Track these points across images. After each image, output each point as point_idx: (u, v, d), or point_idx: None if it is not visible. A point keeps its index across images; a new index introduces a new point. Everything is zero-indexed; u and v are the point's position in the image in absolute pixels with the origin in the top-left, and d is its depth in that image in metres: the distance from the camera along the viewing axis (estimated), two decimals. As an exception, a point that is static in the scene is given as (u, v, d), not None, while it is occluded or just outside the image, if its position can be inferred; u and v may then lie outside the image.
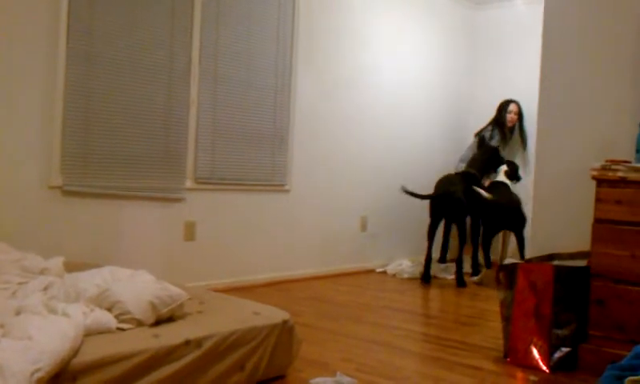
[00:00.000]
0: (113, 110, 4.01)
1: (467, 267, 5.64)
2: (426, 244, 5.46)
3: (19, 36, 3.60)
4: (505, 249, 6.28)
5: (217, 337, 2.38)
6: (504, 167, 5.91)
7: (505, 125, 6.36)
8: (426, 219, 5.53)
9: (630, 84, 3.40)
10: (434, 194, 5.43)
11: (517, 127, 6.44)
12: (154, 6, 4.20)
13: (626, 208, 2.95)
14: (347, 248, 5.71)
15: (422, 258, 5.52)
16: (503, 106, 6.40)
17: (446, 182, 5.45)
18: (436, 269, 5.73)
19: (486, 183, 5.88)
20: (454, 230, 5.65)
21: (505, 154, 6.28)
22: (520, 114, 6.41)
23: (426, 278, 5.41)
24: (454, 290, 5.16)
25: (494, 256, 6.06)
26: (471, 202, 5.42)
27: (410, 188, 5.41)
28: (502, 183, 5.81)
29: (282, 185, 5.11)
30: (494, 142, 6.28)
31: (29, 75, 3.64)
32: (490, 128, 6.38)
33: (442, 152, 6.72)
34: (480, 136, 6.34)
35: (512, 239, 6.06)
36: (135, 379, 2.10)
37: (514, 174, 5.97)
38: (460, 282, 5.32)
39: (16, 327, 1.99)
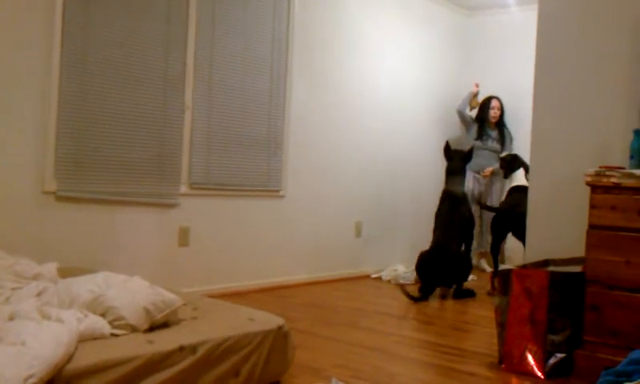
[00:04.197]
0: (107, 115, 4.00)
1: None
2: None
3: (13, 42, 3.58)
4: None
5: (211, 343, 2.37)
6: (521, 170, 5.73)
7: (488, 121, 6.53)
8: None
9: (624, 90, 3.42)
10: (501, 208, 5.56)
11: (500, 122, 6.59)
12: (149, 12, 4.19)
13: (621, 214, 2.96)
14: (342, 253, 5.70)
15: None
16: (485, 103, 6.57)
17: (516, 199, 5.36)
18: None
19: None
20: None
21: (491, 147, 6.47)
22: (502, 110, 6.56)
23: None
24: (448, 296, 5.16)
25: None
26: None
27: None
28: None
29: (277, 190, 5.10)
30: (470, 138, 6.47)
31: (23, 80, 3.63)
32: (472, 126, 6.59)
33: (437, 157, 6.73)
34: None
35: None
36: (129, 385, 2.09)
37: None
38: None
39: (9, 333, 1.98)
